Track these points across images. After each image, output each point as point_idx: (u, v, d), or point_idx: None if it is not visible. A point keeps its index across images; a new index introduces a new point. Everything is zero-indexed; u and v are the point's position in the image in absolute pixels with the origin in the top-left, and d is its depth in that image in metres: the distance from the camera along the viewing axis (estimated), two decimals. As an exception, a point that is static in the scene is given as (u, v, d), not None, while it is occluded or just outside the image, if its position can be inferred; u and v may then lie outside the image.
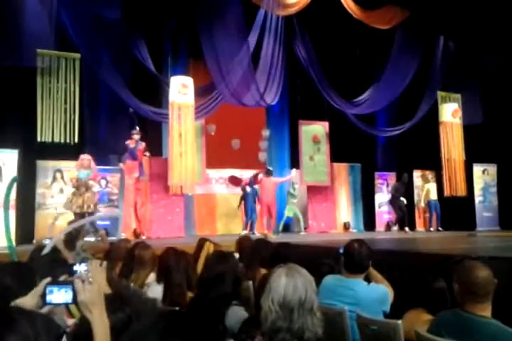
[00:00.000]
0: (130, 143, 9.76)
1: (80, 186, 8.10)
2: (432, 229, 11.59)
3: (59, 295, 1.58)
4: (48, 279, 1.59)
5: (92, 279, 1.70)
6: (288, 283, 1.84)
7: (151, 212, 10.30)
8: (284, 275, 1.87)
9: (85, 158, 8.33)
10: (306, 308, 1.83)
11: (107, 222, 9.73)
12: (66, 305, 1.67)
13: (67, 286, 1.58)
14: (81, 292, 1.54)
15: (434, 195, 11.60)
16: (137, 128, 9.89)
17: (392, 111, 12.97)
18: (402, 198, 11.73)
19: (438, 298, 2.77)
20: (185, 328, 0.82)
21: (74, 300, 1.55)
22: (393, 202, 11.74)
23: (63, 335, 1.75)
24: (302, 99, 12.15)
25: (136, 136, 9.81)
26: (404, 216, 11.59)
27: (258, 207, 10.99)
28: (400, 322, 2.58)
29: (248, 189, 10.77)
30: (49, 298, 1.58)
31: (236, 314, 2.74)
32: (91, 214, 7.98)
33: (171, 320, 0.84)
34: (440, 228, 11.48)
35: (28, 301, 1.54)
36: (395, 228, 11.79)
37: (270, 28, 10.83)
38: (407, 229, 11.46)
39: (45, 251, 3.37)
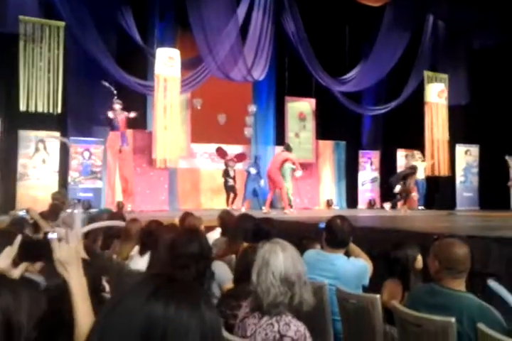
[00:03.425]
0: (111, 114, 9.60)
1: None
2: (420, 207, 11.56)
3: None
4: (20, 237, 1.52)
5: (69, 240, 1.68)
6: (286, 258, 1.91)
7: (134, 185, 10.26)
8: (280, 250, 1.93)
9: None
10: (302, 281, 1.91)
11: (90, 194, 9.69)
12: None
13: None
14: (57, 250, 1.49)
15: (421, 174, 11.63)
16: (116, 97, 9.60)
17: (379, 90, 12.96)
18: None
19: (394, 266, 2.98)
20: (171, 289, 0.82)
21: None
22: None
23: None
24: (289, 75, 12.05)
25: (117, 106, 9.62)
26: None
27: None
28: (378, 296, 2.64)
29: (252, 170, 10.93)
30: None
31: (221, 266, 2.86)
32: None
33: (156, 282, 0.83)
34: (421, 207, 11.58)
35: (1, 261, 1.50)
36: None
37: (259, 1, 10.65)
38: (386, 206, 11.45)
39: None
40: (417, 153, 11.87)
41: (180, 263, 2.58)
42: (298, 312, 1.95)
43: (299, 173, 10.72)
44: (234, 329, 2.07)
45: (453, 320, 2.08)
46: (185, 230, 3.60)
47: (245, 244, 3.55)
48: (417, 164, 11.53)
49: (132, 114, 9.77)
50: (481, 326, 1.96)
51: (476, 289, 2.49)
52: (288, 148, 10.03)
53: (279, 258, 1.90)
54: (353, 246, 3.29)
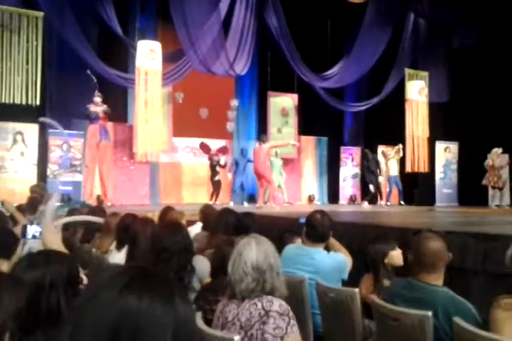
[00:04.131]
0: (91, 107, 9.45)
1: None
2: (388, 203, 11.60)
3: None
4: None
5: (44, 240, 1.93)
6: (259, 250, 2.01)
7: (115, 179, 10.16)
8: (254, 243, 2.04)
9: None
10: (274, 271, 2.00)
11: (70, 188, 9.57)
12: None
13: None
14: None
15: (393, 171, 11.72)
16: (97, 90, 9.43)
17: (361, 87, 13.04)
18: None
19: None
20: (145, 282, 0.80)
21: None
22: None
23: None
24: (272, 70, 12.04)
25: (98, 99, 9.47)
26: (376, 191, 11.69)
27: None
28: (356, 290, 2.66)
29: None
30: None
31: (201, 261, 2.86)
32: None
33: (130, 275, 0.81)
34: (402, 202, 11.66)
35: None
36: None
37: (242, -5, 10.62)
38: (382, 202, 11.57)
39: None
40: (388, 150, 12.01)
41: (162, 257, 2.57)
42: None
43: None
44: (213, 322, 2.10)
45: (429, 314, 2.11)
46: (168, 224, 3.59)
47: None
48: (390, 162, 11.69)
49: (105, 108, 9.49)
50: (457, 320, 1.99)
51: (455, 284, 2.52)
52: (264, 140, 10.03)
53: (252, 250, 2.01)
54: (332, 241, 3.32)
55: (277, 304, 1.91)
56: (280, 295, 2.00)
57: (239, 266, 1.98)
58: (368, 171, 11.67)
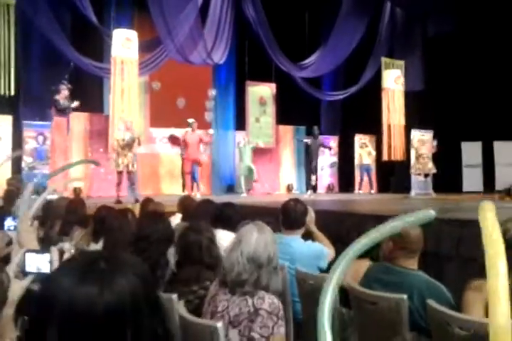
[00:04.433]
0: (60, 99, 9.10)
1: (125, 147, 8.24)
2: (360, 191, 11.81)
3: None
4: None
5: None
6: (259, 239, 1.93)
7: (91, 170, 10.05)
8: (256, 231, 1.96)
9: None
10: (272, 266, 1.94)
11: (45, 180, 9.42)
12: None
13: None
14: None
15: (366, 160, 11.95)
16: (65, 82, 9.05)
17: (339, 76, 13.09)
18: None
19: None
20: (108, 271, 0.75)
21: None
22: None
23: None
24: (250, 59, 11.99)
25: (66, 92, 8.97)
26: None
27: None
28: (335, 276, 2.71)
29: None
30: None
31: None
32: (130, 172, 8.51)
33: (90, 263, 0.76)
34: (372, 191, 11.86)
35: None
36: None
37: (219, -17, 10.52)
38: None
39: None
40: (360, 139, 12.21)
41: (141, 246, 2.58)
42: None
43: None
44: (204, 306, 2.07)
45: (405, 297, 2.17)
46: (149, 213, 3.58)
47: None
48: (361, 151, 11.91)
49: (74, 104, 8.98)
50: (431, 302, 2.06)
51: (429, 268, 2.61)
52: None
53: (253, 238, 1.93)
54: (317, 233, 3.37)
55: (268, 302, 1.87)
56: (274, 292, 1.94)
57: (234, 253, 1.93)
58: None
